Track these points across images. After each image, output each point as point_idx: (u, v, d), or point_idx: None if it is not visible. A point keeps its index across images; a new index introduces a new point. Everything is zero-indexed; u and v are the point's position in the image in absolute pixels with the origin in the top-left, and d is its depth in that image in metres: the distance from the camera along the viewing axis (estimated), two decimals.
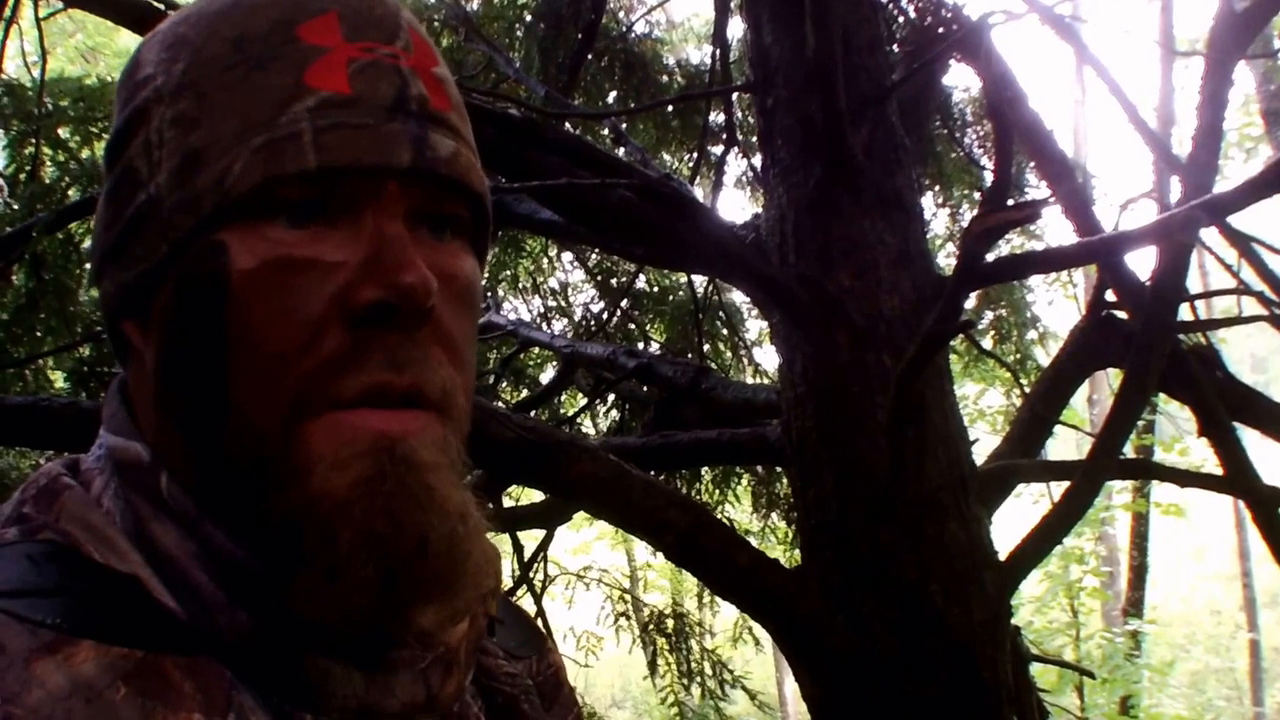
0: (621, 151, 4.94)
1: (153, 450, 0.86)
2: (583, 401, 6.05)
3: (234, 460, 0.81)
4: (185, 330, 0.83)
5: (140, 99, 0.88)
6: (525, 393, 6.13)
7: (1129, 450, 9.07)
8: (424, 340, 0.83)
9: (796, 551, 4.26)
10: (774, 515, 6.17)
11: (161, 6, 2.95)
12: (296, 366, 0.79)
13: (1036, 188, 5.63)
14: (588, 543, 15.13)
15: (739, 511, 6.27)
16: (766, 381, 5.86)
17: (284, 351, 0.79)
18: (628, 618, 6.67)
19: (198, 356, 0.82)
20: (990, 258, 2.50)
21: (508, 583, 5.28)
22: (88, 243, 3.96)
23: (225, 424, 0.81)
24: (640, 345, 6.01)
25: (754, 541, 4.75)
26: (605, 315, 6.40)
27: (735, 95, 5.29)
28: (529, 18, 5.70)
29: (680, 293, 6.23)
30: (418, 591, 0.80)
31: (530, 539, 5.63)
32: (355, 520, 0.77)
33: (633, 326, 6.37)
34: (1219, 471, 3.34)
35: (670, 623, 6.27)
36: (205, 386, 0.82)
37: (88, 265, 3.95)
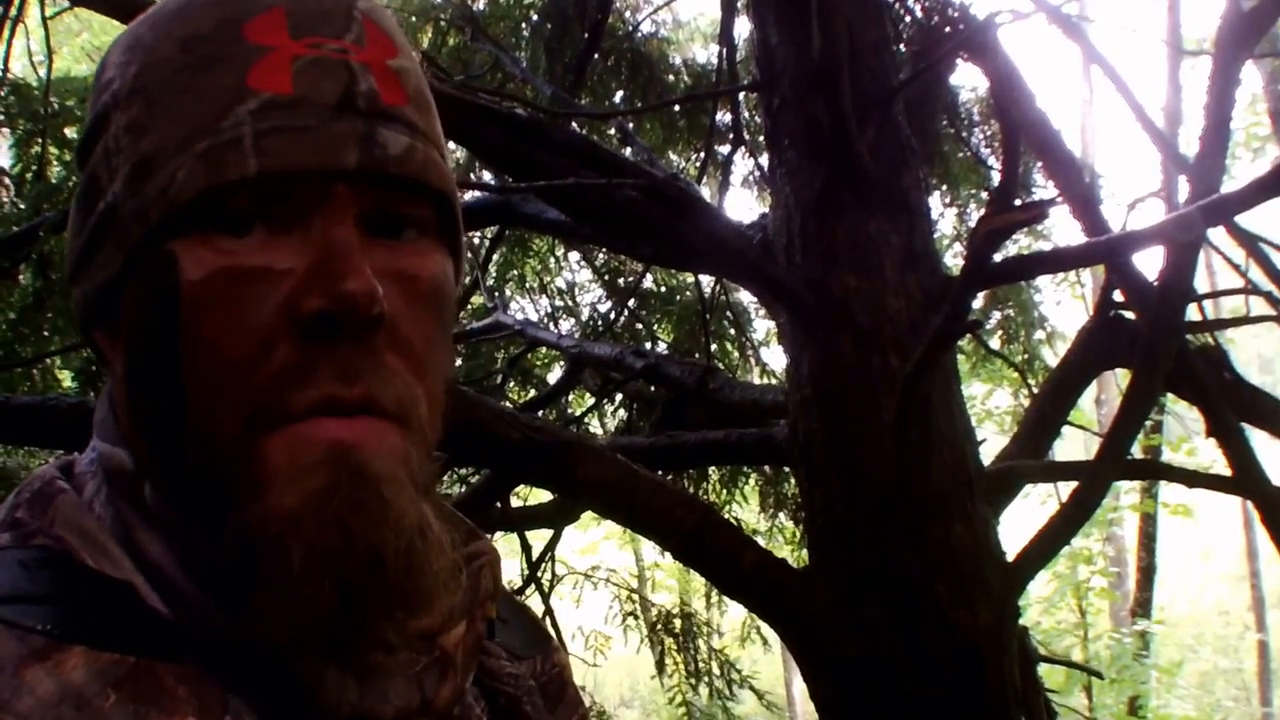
0: (628, 151, 4.94)
1: (134, 458, 0.85)
2: (590, 402, 6.05)
3: (195, 472, 0.80)
4: (142, 341, 0.82)
5: (101, 104, 0.87)
6: (533, 393, 6.13)
7: (1137, 451, 9.06)
8: (377, 349, 0.79)
9: (804, 551, 4.25)
10: (781, 515, 6.16)
11: None
12: (249, 380, 0.77)
13: (1044, 187, 5.63)
14: (595, 543, 15.10)
15: (746, 511, 6.26)
16: (774, 382, 5.86)
17: (236, 364, 0.77)
18: (635, 617, 6.66)
19: (155, 368, 0.81)
20: (997, 258, 2.49)
21: (516, 582, 5.29)
22: None
23: (184, 436, 0.80)
24: (647, 345, 6.00)
25: (761, 541, 4.75)
26: (612, 315, 6.40)
27: (742, 95, 5.29)
28: (535, 17, 5.70)
29: (688, 293, 6.22)
30: (375, 608, 0.78)
31: (538, 539, 5.63)
32: (306, 535, 0.75)
33: (640, 326, 6.37)
34: (1227, 472, 3.34)
35: (678, 622, 6.27)
36: (163, 398, 0.80)
37: None
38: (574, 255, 6.80)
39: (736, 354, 6.32)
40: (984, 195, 6.03)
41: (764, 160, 4.07)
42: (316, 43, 0.81)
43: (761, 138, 4.29)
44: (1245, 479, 3.26)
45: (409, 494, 0.79)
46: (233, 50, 0.81)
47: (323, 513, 0.75)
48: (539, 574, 5.33)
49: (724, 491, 5.80)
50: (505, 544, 5.89)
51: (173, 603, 0.79)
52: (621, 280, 6.47)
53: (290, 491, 0.76)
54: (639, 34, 6.20)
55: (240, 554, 0.77)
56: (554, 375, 6.43)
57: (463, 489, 5.04)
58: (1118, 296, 3.55)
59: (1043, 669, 3.90)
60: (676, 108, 5.94)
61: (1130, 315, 3.54)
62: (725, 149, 5.82)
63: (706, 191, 5.43)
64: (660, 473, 3.86)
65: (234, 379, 0.77)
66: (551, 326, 6.45)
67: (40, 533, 0.81)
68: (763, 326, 7.00)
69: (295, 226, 0.80)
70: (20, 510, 0.83)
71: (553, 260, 6.80)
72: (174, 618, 0.78)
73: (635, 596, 6.92)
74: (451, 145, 3.38)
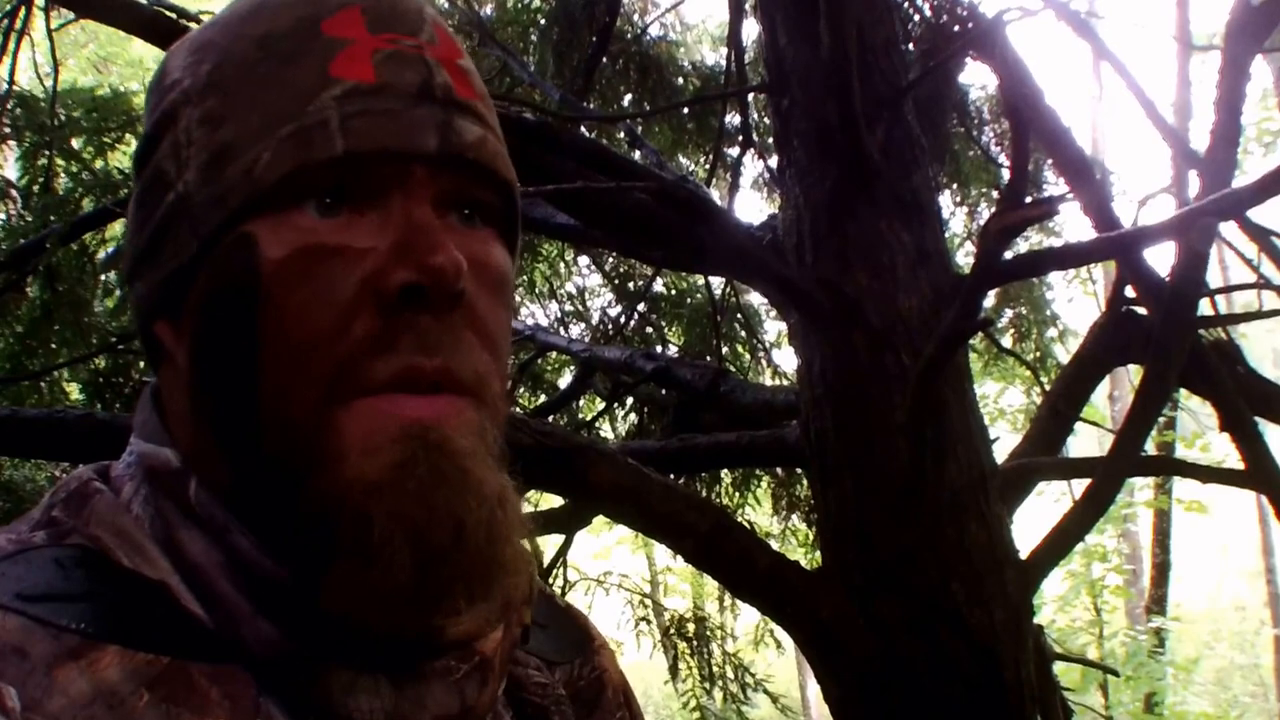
0: (637, 154, 4.94)
1: (183, 457, 0.86)
2: (601, 406, 6.05)
3: (267, 452, 0.81)
4: (217, 323, 0.83)
5: (167, 103, 0.88)
6: (543, 398, 6.12)
7: (1150, 447, 9.04)
8: (456, 324, 0.82)
9: (817, 554, 4.25)
10: (794, 517, 6.15)
11: (173, 15, 2.96)
12: (328, 352, 0.79)
13: (1054, 185, 5.62)
14: (608, 547, 15.14)
15: (759, 514, 6.25)
16: (785, 383, 5.85)
17: (315, 338, 0.79)
18: (648, 622, 6.66)
19: (230, 348, 0.82)
20: (1008, 255, 2.49)
21: None
22: (102, 254, 3.98)
23: (258, 415, 0.81)
24: (658, 348, 6.00)
25: (774, 544, 4.75)
26: (623, 319, 6.39)
27: (751, 96, 5.28)
28: (543, 22, 5.70)
29: (698, 295, 6.22)
30: (455, 580, 0.79)
31: (550, 544, 5.63)
32: (388, 504, 0.76)
33: (650, 330, 6.36)
34: (1241, 467, 3.33)
35: (691, 626, 6.26)
36: (238, 378, 0.81)
37: (102, 277, 3.97)
38: (584, 259, 6.80)
39: (748, 356, 6.31)
40: (994, 193, 6.02)
41: (773, 161, 4.06)
42: (394, 39, 0.85)
43: (770, 139, 4.29)
44: (1259, 474, 3.25)
45: (488, 465, 0.81)
46: (313, 45, 0.84)
47: (404, 483, 0.77)
48: (551, 579, 5.33)
49: (736, 494, 5.79)
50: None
51: (210, 604, 0.79)
52: (631, 284, 6.47)
53: (368, 463, 0.77)
54: (647, 37, 6.20)
55: (314, 526, 0.78)
56: (565, 380, 6.43)
57: None
58: (1130, 292, 3.54)
59: (1058, 667, 3.89)
60: (685, 110, 5.94)
61: (1142, 311, 3.53)
62: (734, 151, 5.82)
63: (716, 193, 5.41)
64: (672, 476, 3.86)
65: (313, 352, 0.79)
66: (562, 331, 6.46)
67: (76, 531, 0.81)
68: (774, 328, 6.99)
69: (371, 207, 0.82)
70: (56, 509, 0.84)
71: (562, 265, 6.80)
72: (209, 619, 0.79)
73: (648, 601, 6.92)
74: None
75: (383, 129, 0.81)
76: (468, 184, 0.86)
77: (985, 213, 6.14)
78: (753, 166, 6.62)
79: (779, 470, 5.75)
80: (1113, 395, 15.02)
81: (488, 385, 0.84)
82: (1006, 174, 5.27)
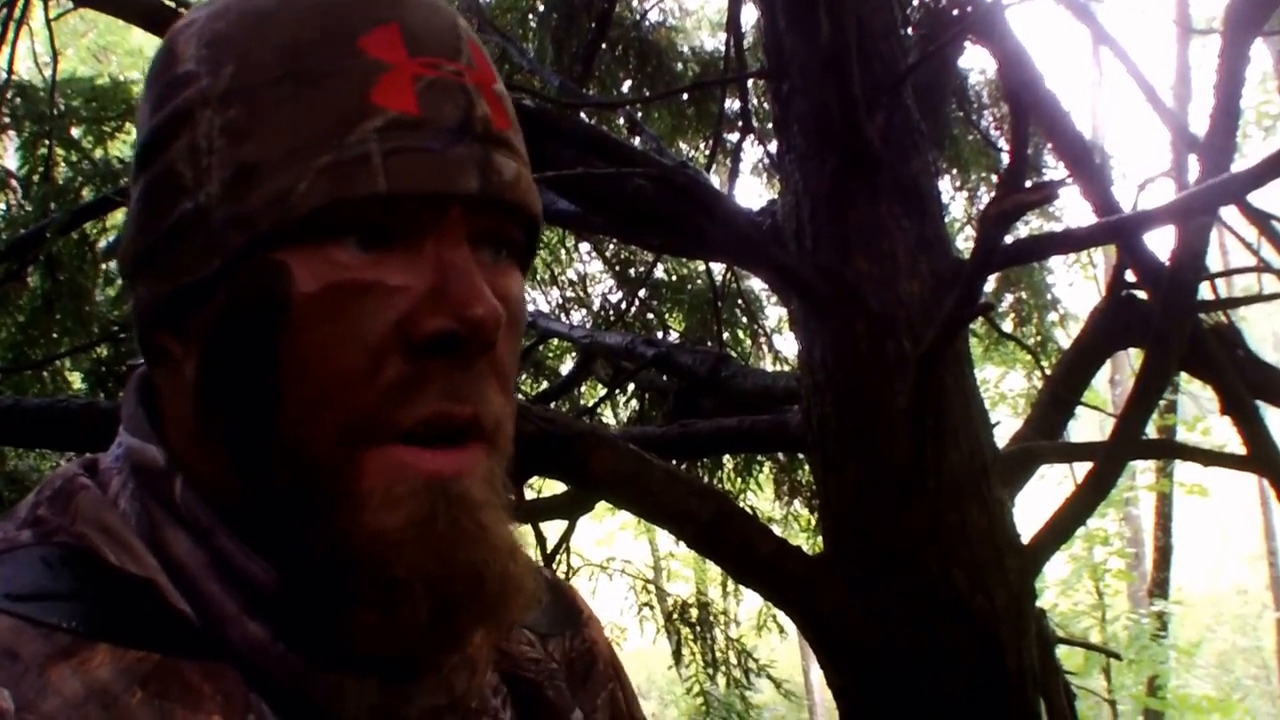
0: (637, 140, 4.93)
1: (169, 456, 0.85)
2: (602, 392, 6.05)
3: (279, 482, 0.80)
4: (237, 347, 0.81)
5: (182, 98, 0.84)
6: (545, 384, 6.13)
7: (1151, 430, 9.04)
8: (483, 370, 0.82)
9: (819, 539, 4.25)
10: (796, 503, 6.16)
11: (173, 5, 2.95)
12: (354, 394, 0.78)
13: (1054, 169, 5.62)
14: (610, 533, 15.13)
15: (761, 499, 6.26)
16: (786, 369, 5.85)
17: (342, 377, 0.78)
18: (651, 608, 6.68)
19: (249, 375, 0.80)
20: (1009, 240, 2.49)
21: None
22: (103, 243, 3.97)
23: (272, 446, 0.80)
24: (659, 334, 6.00)
25: (777, 529, 4.74)
26: (623, 305, 6.40)
27: (750, 82, 5.28)
28: (541, 8, 5.69)
29: (698, 281, 6.22)
30: (471, 625, 0.82)
31: (553, 530, 5.63)
32: (409, 559, 0.77)
33: (651, 316, 6.36)
34: (1242, 450, 3.33)
35: (694, 612, 6.27)
36: (255, 406, 0.80)
37: (103, 266, 3.97)
38: (584, 246, 6.80)
39: (748, 341, 6.31)
40: (994, 178, 6.02)
41: (773, 147, 4.05)
42: (434, 63, 0.82)
43: (770, 124, 4.28)
44: (1260, 457, 3.25)
45: (501, 515, 0.83)
46: (350, 64, 0.80)
47: (425, 539, 0.78)
48: (554, 566, 5.33)
49: (738, 480, 5.79)
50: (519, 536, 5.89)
51: (196, 604, 0.79)
52: (632, 270, 6.47)
53: (388, 515, 0.78)
54: (646, 22, 6.19)
55: (326, 562, 0.79)
56: (566, 366, 6.44)
57: None
58: (1130, 276, 3.54)
59: (1061, 651, 3.89)
60: (685, 96, 5.93)
61: (1142, 295, 3.53)
62: (734, 136, 5.81)
63: (715, 179, 5.40)
64: (674, 462, 3.86)
65: (340, 391, 0.78)
66: (563, 317, 6.46)
67: (62, 530, 0.81)
68: (774, 314, 6.99)
69: (403, 243, 0.81)
70: (42, 508, 0.83)
71: (563, 251, 6.80)
72: (196, 617, 0.78)
73: (651, 587, 6.94)
74: None
75: (426, 169, 0.79)
76: (501, 222, 0.85)
77: (985, 198, 6.14)
78: (752, 152, 6.63)
79: (781, 455, 5.75)
80: (1114, 379, 15.01)
81: (504, 430, 0.84)
82: (1006, 159, 5.26)
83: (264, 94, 0.81)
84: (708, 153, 5.82)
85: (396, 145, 0.79)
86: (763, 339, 6.48)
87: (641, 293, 6.26)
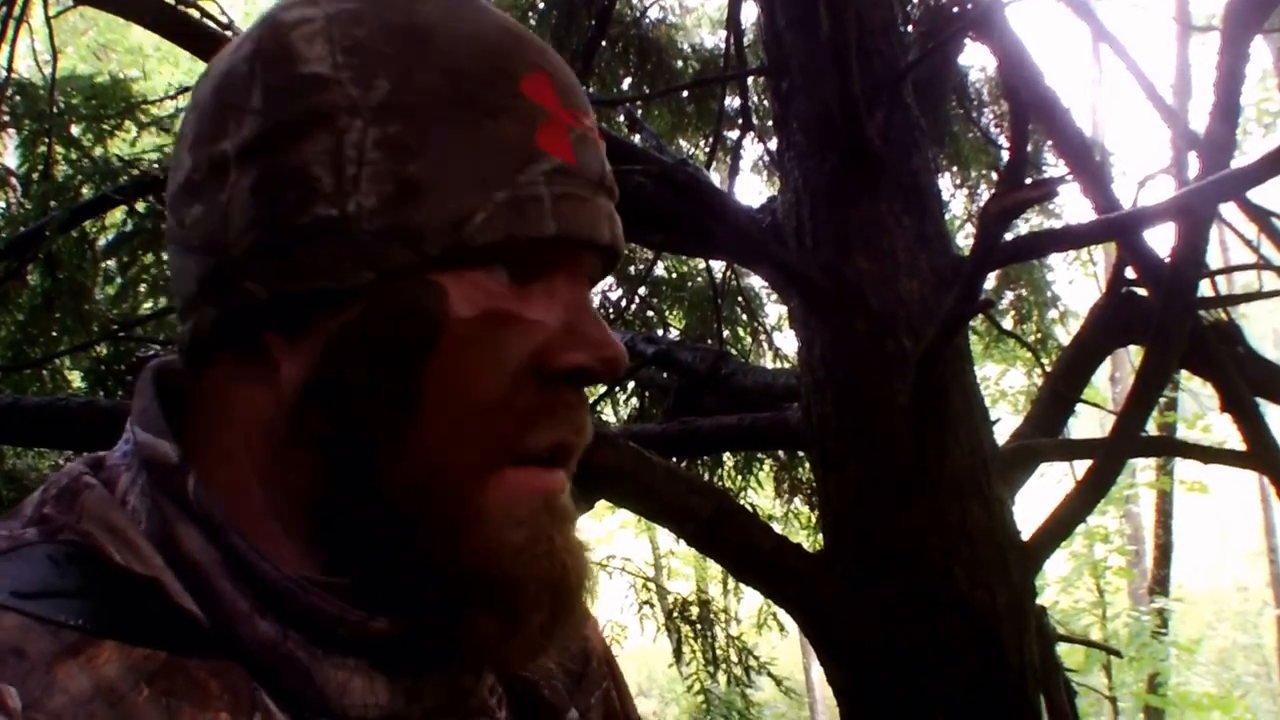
0: (637, 138, 4.94)
1: (182, 451, 0.83)
2: (602, 389, 6.04)
3: (388, 500, 0.81)
4: (375, 362, 0.80)
5: (318, 101, 0.81)
6: None
7: (1151, 428, 9.04)
8: (585, 399, 0.87)
9: (819, 537, 4.25)
10: (796, 500, 6.16)
11: (172, 2, 2.95)
12: (492, 419, 0.80)
13: (1054, 166, 5.62)
14: (611, 531, 15.14)
15: (761, 497, 6.26)
16: (787, 366, 5.85)
17: (483, 402, 0.80)
18: (652, 606, 6.67)
19: (385, 391, 0.80)
20: (1008, 237, 2.49)
21: None
22: (102, 241, 3.97)
23: (397, 461, 0.80)
24: (659, 332, 6.00)
25: (777, 527, 4.74)
26: (623, 302, 6.39)
27: (750, 80, 5.28)
28: (541, 5, 5.68)
29: (699, 279, 6.22)
30: (571, 623, 0.87)
31: None
32: (535, 571, 0.82)
33: (651, 313, 6.36)
34: (1242, 447, 3.33)
35: (695, 610, 6.27)
36: (385, 422, 0.80)
37: (102, 264, 3.96)
38: None
39: (749, 339, 6.32)
40: (994, 175, 6.02)
41: (773, 144, 4.06)
42: (579, 115, 0.87)
43: (770, 122, 4.28)
44: (1260, 453, 3.25)
45: (576, 527, 0.89)
46: (516, 104, 0.82)
47: (547, 553, 0.83)
48: None
49: (739, 477, 5.80)
50: None
51: (207, 602, 0.79)
52: (632, 268, 6.46)
53: (513, 532, 0.82)
54: (646, 20, 6.19)
55: (448, 577, 0.82)
56: None
57: None
58: (1130, 274, 3.54)
59: (1061, 648, 3.90)
60: (685, 93, 5.93)
61: (1142, 292, 3.53)
62: (734, 134, 5.81)
63: (715, 177, 5.41)
64: (674, 460, 3.86)
65: (479, 416, 0.80)
66: None
67: (67, 528, 0.80)
68: (774, 311, 7.00)
69: (539, 281, 0.84)
70: (47, 506, 0.82)
71: None
72: (203, 615, 0.78)
73: (651, 585, 6.93)
74: None
75: (582, 217, 0.83)
76: (606, 267, 0.91)
77: (985, 195, 6.14)
78: (752, 150, 6.64)
79: (781, 453, 5.75)
80: (1114, 377, 15.02)
81: None
82: (1006, 156, 5.27)
83: (432, 116, 0.81)
84: (708, 150, 5.82)
85: (561, 191, 0.82)
86: (763, 336, 6.49)
87: (641, 290, 6.26)
